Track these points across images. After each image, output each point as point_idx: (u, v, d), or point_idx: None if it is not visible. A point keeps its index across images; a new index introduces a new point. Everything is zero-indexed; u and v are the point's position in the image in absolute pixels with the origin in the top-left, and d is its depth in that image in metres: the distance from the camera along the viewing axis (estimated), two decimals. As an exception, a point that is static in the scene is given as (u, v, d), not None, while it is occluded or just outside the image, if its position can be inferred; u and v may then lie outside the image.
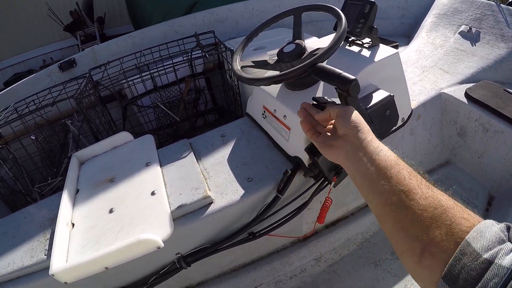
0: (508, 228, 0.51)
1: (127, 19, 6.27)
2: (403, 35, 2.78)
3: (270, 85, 1.19)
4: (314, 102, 1.00)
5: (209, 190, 1.22)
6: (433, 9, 2.40)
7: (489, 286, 0.45)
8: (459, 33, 2.07)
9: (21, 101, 2.04)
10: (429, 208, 0.58)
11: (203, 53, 1.86)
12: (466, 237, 0.51)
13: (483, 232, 0.50)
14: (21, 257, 1.28)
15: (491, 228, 0.51)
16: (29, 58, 7.17)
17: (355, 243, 1.55)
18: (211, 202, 1.19)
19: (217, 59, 2.07)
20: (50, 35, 7.10)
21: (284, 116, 1.29)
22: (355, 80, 0.94)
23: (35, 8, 6.86)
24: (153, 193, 1.19)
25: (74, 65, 2.37)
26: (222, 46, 1.90)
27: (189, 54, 1.87)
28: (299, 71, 1.08)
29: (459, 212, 0.56)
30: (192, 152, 1.41)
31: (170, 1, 5.08)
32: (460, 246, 0.51)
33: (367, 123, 1.08)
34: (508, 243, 0.48)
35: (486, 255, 0.47)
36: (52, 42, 7.17)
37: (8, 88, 2.43)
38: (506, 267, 0.45)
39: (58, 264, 1.06)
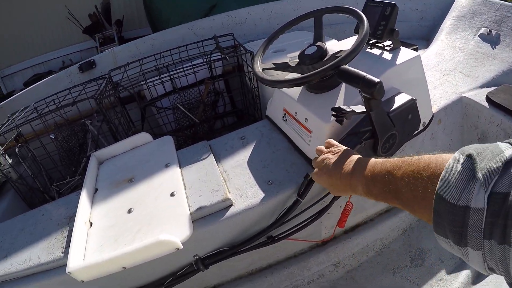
0: (469, 157, 0.50)
1: (145, 22, 6.35)
2: (422, 38, 2.74)
3: (292, 87, 1.18)
4: (333, 113, 1.00)
5: (229, 192, 1.21)
6: (452, 11, 2.36)
7: (474, 234, 0.47)
8: (479, 36, 2.03)
9: (41, 101, 2.08)
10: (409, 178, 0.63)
11: (223, 56, 1.86)
12: (437, 190, 0.52)
13: (449, 178, 0.51)
14: (38, 254, 1.29)
15: (454, 169, 0.51)
16: (48, 59, 7.32)
17: (374, 249, 1.52)
18: (231, 205, 1.18)
19: (236, 62, 2.07)
20: (69, 37, 7.23)
21: (306, 119, 1.28)
22: (379, 82, 0.93)
23: (54, 10, 7.00)
24: (172, 194, 1.19)
25: (94, 66, 2.40)
26: (241, 48, 1.89)
27: (209, 56, 1.87)
28: (322, 73, 1.07)
29: (433, 164, 0.58)
30: (211, 154, 1.40)
31: (187, 4, 5.13)
32: (434, 202, 0.52)
33: (389, 127, 1.07)
34: (474, 180, 0.47)
35: (460, 203, 0.48)
36: (71, 44, 7.31)
37: (29, 88, 2.47)
38: (481, 208, 0.45)
39: (75, 262, 1.06)
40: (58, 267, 1.25)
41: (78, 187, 1.99)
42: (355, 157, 0.90)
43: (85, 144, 2.08)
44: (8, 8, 7.07)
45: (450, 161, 0.52)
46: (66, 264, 1.08)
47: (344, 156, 0.93)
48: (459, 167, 0.50)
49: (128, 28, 7.01)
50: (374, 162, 0.80)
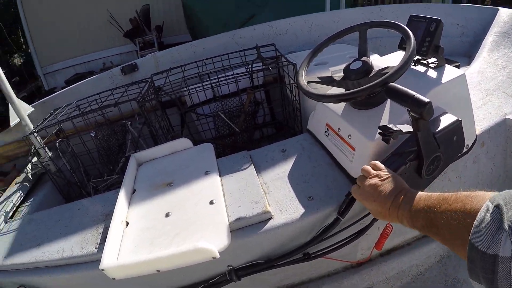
0: (497, 207, 0.55)
1: (184, 29, 6.51)
2: (463, 54, 2.66)
3: (338, 102, 1.17)
4: (380, 131, 1.00)
5: (269, 205, 1.20)
6: (493, 27, 2.27)
7: (503, 281, 0.50)
8: (522, 54, 1.95)
9: (83, 99, 2.14)
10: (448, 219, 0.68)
11: (265, 66, 1.86)
12: (470, 239, 0.57)
13: (480, 227, 0.55)
14: (71, 247, 1.32)
15: (484, 219, 0.55)
16: (90, 60, 7.63)
17: (409, 275, 1.47)
18: (270, 218, 1.16)
19: (278, 73, 2.06)
20: (110, 40, 7.52)
21: (349, 135, 1.26)
22: (429, 103, 0.92)
23: (97, 14, 7.29)
24: (211, 202, 1.19)
25: (136, 69, 2.46)
26: (283, 59, 1.89)
27: (250, 66, 1.88)
28: (370, 90, 1.06)
29: (469, 206, 0.63)
30: (252, 165, 1.40)
31: (227, 14, 5.23)
32: (467, 249, 0.57)
33: (435, 148, 1.04)
34: (501, 230, 0.52)
35: (490, 251, 0.52)
36: (112, 46, 7.61)
37: (71, 86, 2.55)
38: (508, 257, 0.49)
39: (110, 260, 1.08)
40: (90, 261, 1.28)
41: (114, 185, 2.04)
42: (403, 188, 0.92)
43: (124, 144, 2.13)
44: (52, 9, 7.42)
45: (481, 211, 0.57)
46: (99, 260, 1.10)
47: (394, 188, 0.93)
48: (488, 217, 0.55)
49: (167, 34, 7.20)
50: (419, 197, 0.84)
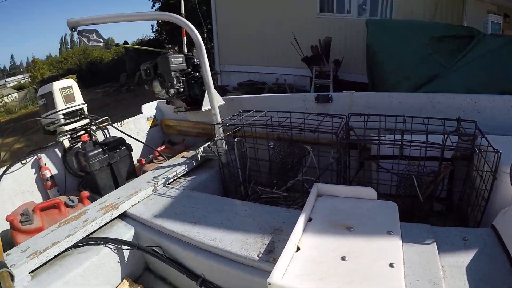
0: None
1: (361, 69, 6.57)
2: None
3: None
4: None
5: (443, 291, 1.16)
6: None
7: None
8: None
9: (274, 112, 2.35)
10: None
11: (465, 143, 1.77)
12: None
13: None
14: (231, 242, 1.45)
15: None
16: (265, 72, 8.30)
17: None
18: (442, 306, 1.13)
19: (469, 152, 1.93)
20: (287, 60, 8.03)
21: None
22: None
23: (282, 33, 7.89)
24: (391, 265, 1.18)
25: (330, 101, 2.61)
26: (481, 140, 1.77)
27: (446, 137, 1.81)
28: None
29: None
30: (435, 243, 1.37)
31: (411, 66, 5.15)
32: None
33: None
34: None
35: None
36: (287, 66, 8.12)
37: (263, 95, 2.86)
38: None
39: (278, 277, 1.14)
40: (247, 265, 1.38)
41: (272, 200, 2.17)
42: None
43: (296, 167, 2.24)
44: (242, 18, 8.32)
45: None
46: (257, 268, 1.23)
47: None
48: None
49: (344, 69, 7.38)
50: None
